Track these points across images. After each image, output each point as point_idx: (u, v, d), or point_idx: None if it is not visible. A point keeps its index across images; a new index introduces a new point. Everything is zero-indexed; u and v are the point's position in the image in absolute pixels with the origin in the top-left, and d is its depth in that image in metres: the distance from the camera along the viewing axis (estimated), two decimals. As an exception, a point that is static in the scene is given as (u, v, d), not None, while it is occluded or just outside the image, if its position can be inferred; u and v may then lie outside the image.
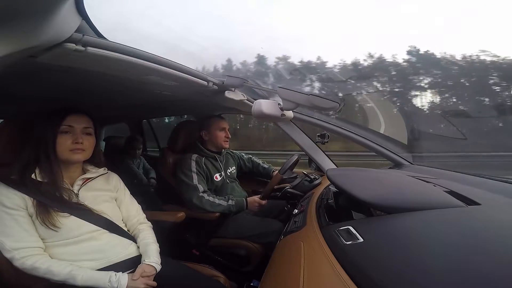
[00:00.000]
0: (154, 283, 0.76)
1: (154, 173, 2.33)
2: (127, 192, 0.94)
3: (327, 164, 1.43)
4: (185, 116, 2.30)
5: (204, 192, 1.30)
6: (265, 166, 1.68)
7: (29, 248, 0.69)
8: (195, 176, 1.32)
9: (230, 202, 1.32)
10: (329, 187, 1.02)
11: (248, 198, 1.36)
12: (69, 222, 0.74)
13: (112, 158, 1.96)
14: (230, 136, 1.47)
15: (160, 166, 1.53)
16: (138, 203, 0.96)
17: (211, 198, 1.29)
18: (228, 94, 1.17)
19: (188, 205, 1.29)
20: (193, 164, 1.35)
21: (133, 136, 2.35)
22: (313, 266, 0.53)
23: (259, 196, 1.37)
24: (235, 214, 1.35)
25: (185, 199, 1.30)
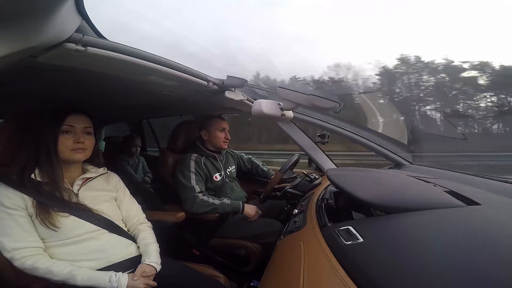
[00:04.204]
0: (154, 283, 0.76)
1: (151, 176, 2.33)
2: (127, 192, 0.94)
3: (327, 164, 1.43)
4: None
5: (199, 192, 1.28)
6: (265, 168, 1.69)
7: (29, 248, 0.69)
8: (193, 176, 1.31)
9: (225, 200, 1.29)
10: (329, 187, 1.02)
11: (247, 205, 1.31)
12: (69, 222, 0.74)
13: (109, 158, 1.96)
14: (229, 137, 1.46)
15: (160, 166, 1.53)
16: (138, 203, 0.96)
17: (205, 198, 1.27)
18: (228, 94, 1.16)
19: (183, 206, 1.28)
20: (192, 164, 1.34)
21: (131, 135, 2.36)
22: (313, 266, 0.53)
23: (259, 198, 1.37)
24: (232, 215, 1.34)
25: (181, 200, 1.29)
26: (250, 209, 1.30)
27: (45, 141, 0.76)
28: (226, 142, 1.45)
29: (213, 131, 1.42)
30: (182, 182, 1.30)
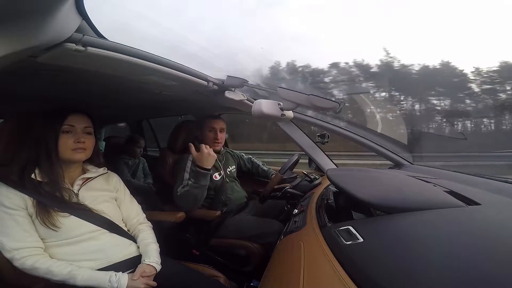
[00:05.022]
0: (154, 283, 0.76)
1: (151, 179, 2.31)
2: (127, 192, 0.95)
3: (327, 164, 1.43)
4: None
5: (179, 188, 1.24)
6: (265, 168, 1.68)
7: (29, 248, 0.69)
8: (186, 176, 1.29)
9: (189, 182, 1.21)
10: (329, 187, 1.02)
11: (198, 156, 1.18)
12: (69, 222, 0.74)
13: (109, 158, 1.95)
14: (219, 137, 1.40)
15: (160, 166, 1.53)
16: (138, 203, 0.96)
17: (179, 191, 1.22)
18: (228, 94, 1.16)
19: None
20: (189, 164, 1.32)
21: (135, 135, 2.36)
22: (313, 266, 0.53)
23: (259, 198, 1.37)
24: (233, 215, 1.32)
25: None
26: (201, 155, 1.17)
27: (45, 141, 0.76)
28: (216, 143, 1.39)
29: (204, 131, 1.42)
30: (176, 182, 1.29)
